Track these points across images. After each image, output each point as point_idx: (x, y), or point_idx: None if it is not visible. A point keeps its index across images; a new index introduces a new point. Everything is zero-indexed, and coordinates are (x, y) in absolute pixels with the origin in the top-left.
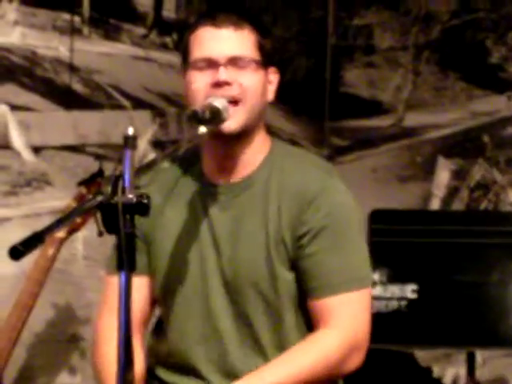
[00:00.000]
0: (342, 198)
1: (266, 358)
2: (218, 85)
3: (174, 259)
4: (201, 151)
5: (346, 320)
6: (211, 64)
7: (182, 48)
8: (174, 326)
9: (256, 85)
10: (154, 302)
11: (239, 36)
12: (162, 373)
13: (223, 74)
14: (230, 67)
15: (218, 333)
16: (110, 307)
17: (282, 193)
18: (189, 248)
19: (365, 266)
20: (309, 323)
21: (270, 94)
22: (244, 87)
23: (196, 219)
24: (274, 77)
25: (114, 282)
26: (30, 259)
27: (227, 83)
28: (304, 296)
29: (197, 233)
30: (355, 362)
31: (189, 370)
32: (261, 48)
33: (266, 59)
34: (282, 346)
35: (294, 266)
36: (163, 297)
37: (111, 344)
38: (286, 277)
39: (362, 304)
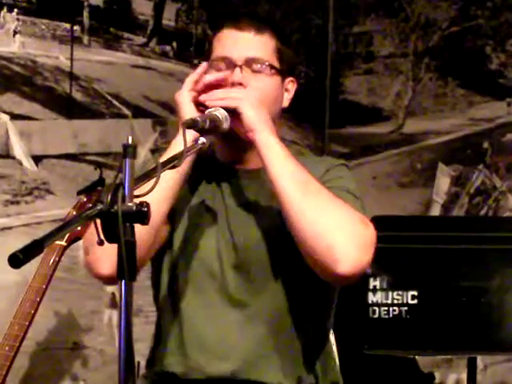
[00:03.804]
0: (351, 176)
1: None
2: (232, 85)
3: (189, 239)
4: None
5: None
6: (229, 64)
7: (206, 48)
8: (187, 310)
9: (269, 90)
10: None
11: (259, 40)
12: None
13: (237, 75)
14: (246, 69)
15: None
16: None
17: None
18: (204, 228)
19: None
20: (309, 306)
21: (286, 102)
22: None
23: (212, 202)
24: (291, 86)
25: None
26: (31, 268)
27: (241, 85)
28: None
29: (212, 215)
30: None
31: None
32: (280, 55)
33: (285, 67)
34: (277, 320)
35: None
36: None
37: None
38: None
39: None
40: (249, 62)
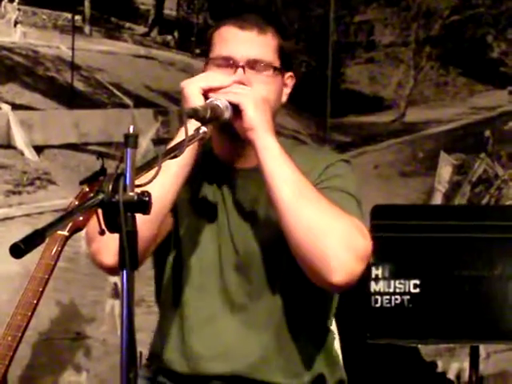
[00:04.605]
0: (350, 173)
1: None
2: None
3: (190, 239)
4: (210, 140)
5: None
6: (230, 63)
7: (206, 42)
8: (188, 307)
9: (270, 90)
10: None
11: (261, 40)
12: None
13: (240, 75)
14: (248, 70)
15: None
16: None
17: None
18: (205, 229)
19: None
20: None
21: (284, 97)
22: None
23: (212, 200)
24: (290, 81)
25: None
26: (33, 258)
27: (243, 84)
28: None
29: (212, 215)
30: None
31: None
32: (281, 53)
33: (285, 64)
34: (277, 322)
35: None
36: (174, 275)
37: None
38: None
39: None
40: (251, 63)
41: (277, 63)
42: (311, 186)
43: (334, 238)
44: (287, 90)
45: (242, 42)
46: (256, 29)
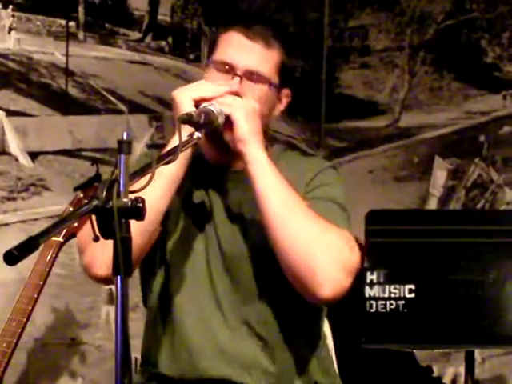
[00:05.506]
0: (339, 182)
1: (256, 336)
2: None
3: (179, 243)
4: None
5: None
6: (230, 69)
7: (210, 41)
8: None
9: (263, 103)
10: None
11: (264, 54)
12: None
13: (236, 85)
14: (245, 80)
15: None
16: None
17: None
18: (193, 233)
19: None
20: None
21: (277, 112)
22: None
23: (199, 204)
24: (285, 98)
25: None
26: (28, 264)
27: (237, 94)
28: None
29: (200, 219)
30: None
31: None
32: (282, 69)
33: (284, 81)
34: (267, 325)
35: None
36: (164, 282)
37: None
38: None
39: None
40: (249, 74)
41: (275, 80)
42: (300, 199)
43: (321, 252)
44: (281, 106)
45: (244, 50)
46: (262, 41)
